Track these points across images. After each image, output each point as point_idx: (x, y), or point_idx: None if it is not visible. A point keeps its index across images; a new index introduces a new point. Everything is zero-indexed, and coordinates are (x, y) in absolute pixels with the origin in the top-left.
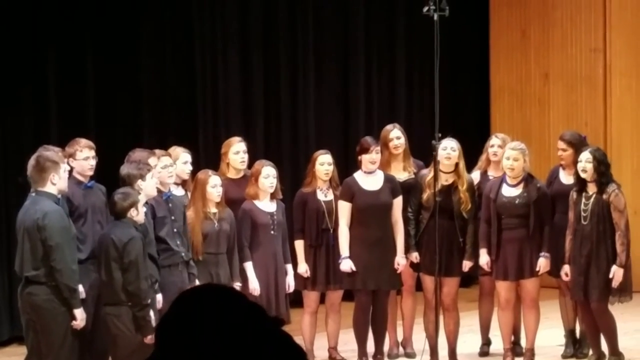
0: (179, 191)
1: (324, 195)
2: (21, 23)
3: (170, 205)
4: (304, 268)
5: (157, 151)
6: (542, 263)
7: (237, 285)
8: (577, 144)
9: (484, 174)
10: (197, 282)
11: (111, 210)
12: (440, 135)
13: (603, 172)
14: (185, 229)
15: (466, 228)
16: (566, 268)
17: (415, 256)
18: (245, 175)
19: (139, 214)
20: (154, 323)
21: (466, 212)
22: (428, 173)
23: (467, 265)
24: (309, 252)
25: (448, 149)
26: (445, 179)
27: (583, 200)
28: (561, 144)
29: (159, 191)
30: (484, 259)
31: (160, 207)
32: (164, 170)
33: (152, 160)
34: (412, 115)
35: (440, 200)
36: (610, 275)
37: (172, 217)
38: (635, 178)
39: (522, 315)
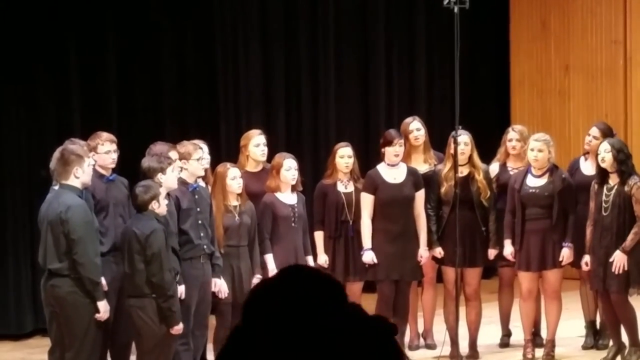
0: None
1: (344, 187)
2: (42, 17)
3: (196, 197)
4: (323, 259)
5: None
6: (566, 253)
7: (258, 278)
8: (609, 136)
9: (503, 165)
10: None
11: (133, 204)
12: (460, 127)
13: (623, 160)
14: (212, 220)
15: (488, 217)
16: (586, 258)
17: (439, 251)
18: (264, 169)
19: (160, 206)
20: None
21: (486, 200)
22: (443, 168)
23: (492, 253)
24: (328, 243)
25: (461, 144)
26: (460, 172)
27: (605, 191)
28: (595, 131)
29: (185, 183)
30: (508, 249)
31: (185, 198)
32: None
33: (172, 154)
34: (432, 107)
35: (459, 192)
36: (611, 259)
37: (198, 209)
38: None
39: (543, 307)
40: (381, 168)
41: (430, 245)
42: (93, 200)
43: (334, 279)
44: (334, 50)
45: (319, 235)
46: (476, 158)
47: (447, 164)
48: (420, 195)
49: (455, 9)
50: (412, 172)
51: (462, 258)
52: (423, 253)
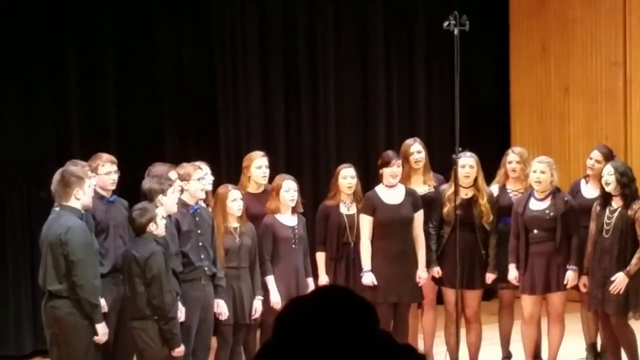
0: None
1: (347, 208)
2: (41, 35)
3: (197, 219)
4: (325, 280)
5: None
6: (570, 276)
7: (259, 299)
8: (610, 159)
9: (503, 187)
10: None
11: (131, 227)
12: (460, 149)
13: (626, 183)
14: (214, 241)
15: (488, 241)
16: (584, 279)
17: (437, 271)
18: (266, 190)
19: (158, 228)
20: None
21: (488, 224)
22: (448, 188)
23: (490, 277)
24: (329, 265)
25: (466, 167)
26: (464, 193)
27: (607, 213)
28: (596, 154)
29: (186, 205)
30: (513, 273)
31: (185, 220)
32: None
33: (171, 174)
34: (432, 129)
35: (460, 213)
36: (612, 278)
37: (199, 231)
38: None
39: (545, 329)
40: (379, 189)
41: (428, 265)
42: (93, 222)
43: (368, 303)
44: (334, 71)
45: (320, 257)
46: (481, 181)
47: (452, 185)
48: (419, 216)
49: (455, 31)
50: (410, 193)
51: (461, 280)
52: (422, 274)
